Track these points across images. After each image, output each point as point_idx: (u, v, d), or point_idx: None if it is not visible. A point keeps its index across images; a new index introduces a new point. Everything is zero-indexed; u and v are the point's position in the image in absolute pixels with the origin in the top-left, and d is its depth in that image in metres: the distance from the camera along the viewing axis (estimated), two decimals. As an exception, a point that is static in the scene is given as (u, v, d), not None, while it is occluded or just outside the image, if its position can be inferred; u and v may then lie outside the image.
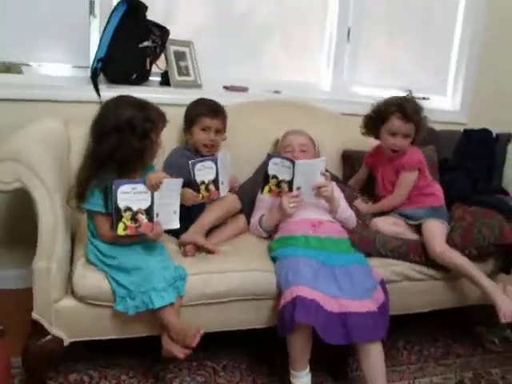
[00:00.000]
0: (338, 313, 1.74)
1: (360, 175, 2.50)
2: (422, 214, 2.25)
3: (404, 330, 2.25)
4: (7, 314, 1.93)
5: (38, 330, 1.72)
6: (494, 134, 2.69)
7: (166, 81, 2.61)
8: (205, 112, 2.22)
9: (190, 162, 1.98)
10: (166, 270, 1.74)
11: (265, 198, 2.19)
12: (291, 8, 2.89)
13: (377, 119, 2.29)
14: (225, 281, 1.85)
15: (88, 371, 1.98)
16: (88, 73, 2.45)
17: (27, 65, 2.50)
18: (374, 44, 3.09)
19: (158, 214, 1.73)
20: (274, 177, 2.05)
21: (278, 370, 2.00)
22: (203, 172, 2.02)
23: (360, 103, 2.89)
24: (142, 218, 1.70)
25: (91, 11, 2.53)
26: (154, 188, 1.71)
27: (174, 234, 2.01)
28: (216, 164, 2.04)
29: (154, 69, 2.60)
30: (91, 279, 1.74)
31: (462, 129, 2.84)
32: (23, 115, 2.17)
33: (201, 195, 2.02)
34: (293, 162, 2.00)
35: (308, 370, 1.83)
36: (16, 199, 2.38)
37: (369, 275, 1.93)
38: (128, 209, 1.68)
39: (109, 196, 1.68)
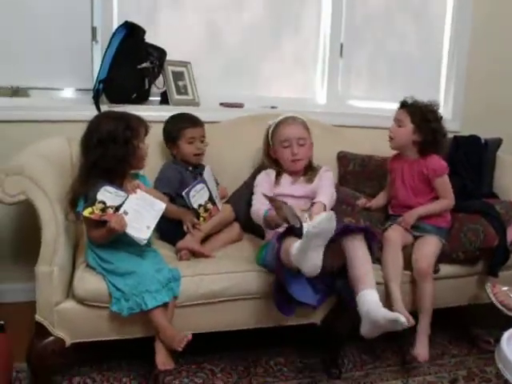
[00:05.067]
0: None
1: (388, 186, 2.49)
2: (429, 229, 2.27)
3: (398, 332, 2.29)
4: (15, 323, 2.00)
5: (42, 331, 1.83)
6: (483, 140, 2.74)
7: (165, 100, 2.75)
8: (187, 125, 2.33)
9: (184, 194, 2.12)
10: (159, 273, 1.84)
11: (260, 182, 2.27)
12: (285, 25, 3.04)
13: None
14: (218, 281, 1.94)
15: (91, 374, 2.06)
16: (91, 95, 2.60)
17: (34, 88, 2.65)
18: (365, 58, 3.20)
19: (126, 212, 1.83)
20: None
21: (274, 371, 2.07)
22: (198, 196, 2.16)
23: (355, 115, 3.02)
24: (110, 211, 1.81)
25: (93, 37, 2.69)
26: (130, 191, 1.86)
27: (170, 241, 2.13)
28: (205, 183, 2.17)
29: (154, 89, 2.74)
30: (90, 282, 1.85)
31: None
32: (30, 135, 2.32)
33: (202, 218, 2.17)
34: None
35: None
36: (21, 214, 2.50)
37: None
38: (102, 202, 1.81)
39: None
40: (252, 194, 2.28)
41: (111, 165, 1.83)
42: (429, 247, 2.21)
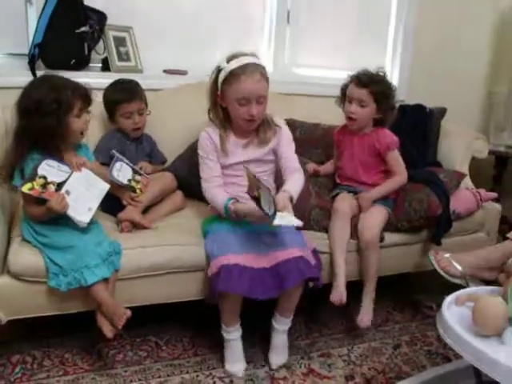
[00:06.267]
0: (268, 267, 1.82)
1: (335, 157, 2.47)
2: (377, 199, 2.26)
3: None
4: None
5: (-26, 309, 1.75)
6: (428, 109, 2.77)
7: (106, 66, 2.63)
8: (121, 99, 2.21)
9: (109, 178, 1.99)
10: (99, 246, 1.78)
11: (205, 149, 2.01)
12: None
13: (342, 90, 2.32)
14: (159, 253, 1.90)
15: (31, 351, 2.00)
16: (27, 60, 2.46)
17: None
18: (313, 26, 3.15)
19: (68, 192, 1.75)
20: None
21: (218, 342, 2.05)
22: (122, 173, 2.07)
23: (302, 83, 2.98)
24: (52, 188, 1.73)
25: (27, -2, 2.54)
26: (75, 168, 1.78)
27: (112, 212, 2.06)
28: (122, 160, 2.10)
29: (95, 55, 2.62)
30: (25, 256, 1.77)
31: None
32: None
33: (138, 190, 2.10)
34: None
35: (239, 325, 1.94)
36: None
37: (298, 233, 1.95)
38: (43, 177, 1.72)
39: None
40: (194, 159, 2.16)
41: (37, 137, 1.73)
42: (375, 217, 2.21)
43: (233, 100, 1.91)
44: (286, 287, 1.80)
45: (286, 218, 1.72)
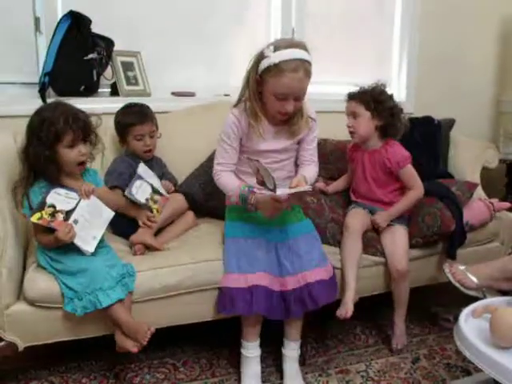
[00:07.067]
0: (280, 292, 1.86)
1: (349, 173, 2.45)
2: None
3: (360, 314, 2.29)
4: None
5: (-8, 337, 1.76)
6: (436, 121, 2.76)
7: (115, 91, 2.67)
8: (133, 121, 2.23)
9: (127, 194, 2.06)
10: (112, 269, 1.79)
11: (229, 134, 2.00)
12: (234, 13, 2.99)
13: None
14: (173, 274, 1.90)
15: (49, 377, 2.00)
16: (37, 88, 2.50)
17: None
18: (318, 43, 3.16)
19: (76, 221, 1.77)
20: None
21: (236, 363, 2.04)
22: (140, 191, 2.10)
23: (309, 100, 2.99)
24: (60, 217, 1.74)
25: (37, 28, 2.58)
26: (83, 195, 1.80)
27: (124, 235, 2.07)
28: (142, 178, 2.12)
29: (104, 80, 2.66)
30: (41, 282, 1.77)
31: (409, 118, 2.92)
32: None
33: (154, 210, 2.12)
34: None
35: (258, 342, 1.95)
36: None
37: (315, 245, 2.00)
38: (52, 206, 1.74)
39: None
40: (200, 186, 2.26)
41: (34, 162, 1.77)
42: (401, 244, 2.18)
43: (271, 91, 1.87)
44: (290, 316, 1.89)
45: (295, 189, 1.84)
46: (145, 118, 2.25)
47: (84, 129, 1.82)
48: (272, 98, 1.88)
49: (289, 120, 1.99)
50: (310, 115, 2.03)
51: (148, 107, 2.33)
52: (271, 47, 1.83)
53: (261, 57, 1.86)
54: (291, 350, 1.99)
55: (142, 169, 2.16)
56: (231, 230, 2.02)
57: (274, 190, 1.79)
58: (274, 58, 1.81)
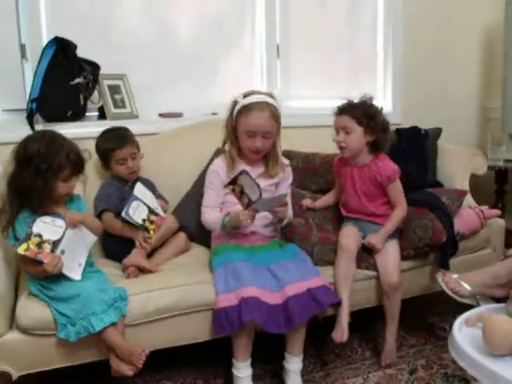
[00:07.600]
0: (280, 303, 1.87)
1: (337, 187, 2.43)
2: None
3: (357, 327, 2.29)
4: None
5: (-15, 367, 1.74)
6: (423, 130, 2.79)
7: (103, 115, 2.68)
8: (113, 147, 2.23)
9: (123, 216, 2.05)
10: (104, 293, 1.78)
11: (212, 181, 2.23)
12: (219, 31, 3.02)
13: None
14: (165, 296, 1.89)
15: (44, 405, 1.99)
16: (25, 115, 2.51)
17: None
18: (302, 58, 3.21)
19: (63, 252, 1.77)
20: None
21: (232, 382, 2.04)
22: (137, 212, 2.10)
23: (295, 115, 3.00)
24: (47, 247, 1.73)
25: (23, 54, 2.60)
26: (70, 225, 1.80)
27: (117, 258, 2.07)
28: (138, 199, 2.12)
29: (91, 105, 2.67)
30: (33, 310, 1.76)
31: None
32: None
33: (151, 231, 2.12)
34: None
35: (249, 362, 1.94)
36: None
37: (307, 260, 2.09)
38: (38, 235, 1.73)
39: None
40: (196, 204, 2.25)
41: (23, 190, 1.76)
42: (392, 258, 2.18)
43: (243, 130, 2.15)
44: (294, 324, 1.85)
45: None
46: (124, 142, 2.25)
47: (82, 165, 1.85)
48: (244, 137, 2.15)
49: (265, 164, 2.26)
50: (283, 161, 2.31)
51: (126, 129, 2.34)
52: (242, 95, 2.16)
53: (234, 104, 2.18)
54: (294, 364, 1.99)
55: (139, 188, 2.16)
56: (217, 261, 2.05)
57: (259, 198, 1.97)
58: (244, 101, 2.14)
